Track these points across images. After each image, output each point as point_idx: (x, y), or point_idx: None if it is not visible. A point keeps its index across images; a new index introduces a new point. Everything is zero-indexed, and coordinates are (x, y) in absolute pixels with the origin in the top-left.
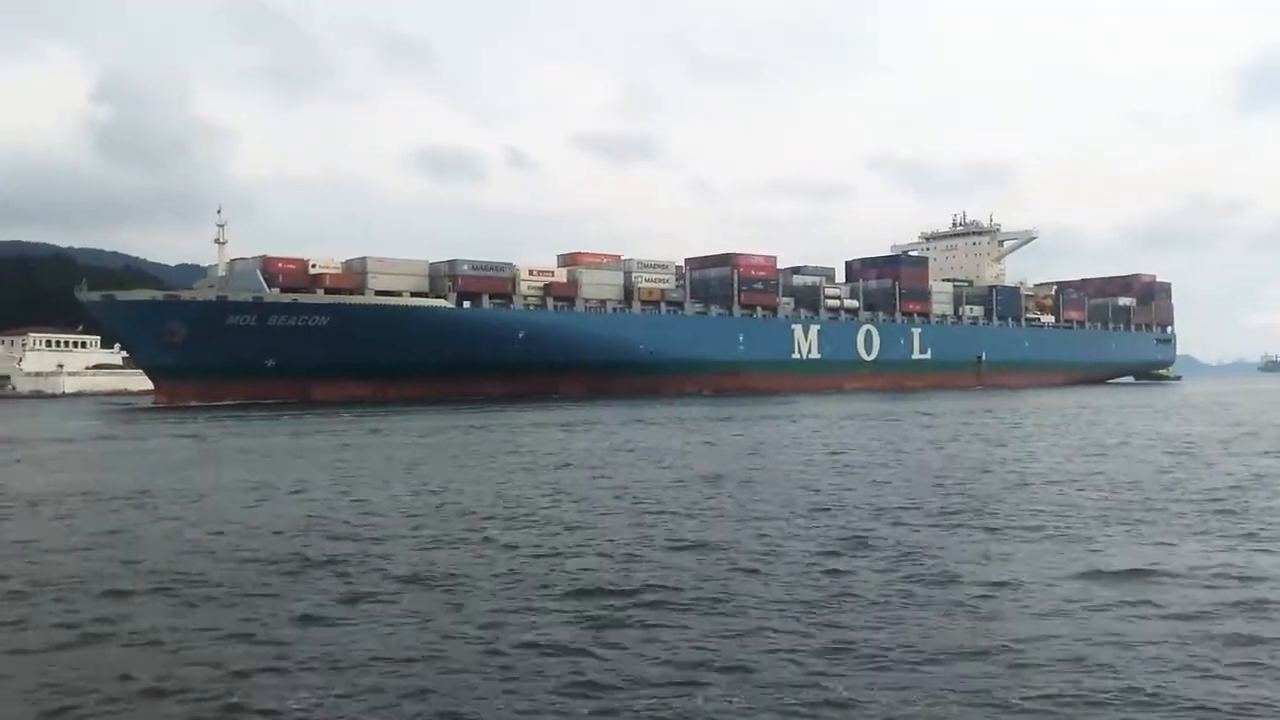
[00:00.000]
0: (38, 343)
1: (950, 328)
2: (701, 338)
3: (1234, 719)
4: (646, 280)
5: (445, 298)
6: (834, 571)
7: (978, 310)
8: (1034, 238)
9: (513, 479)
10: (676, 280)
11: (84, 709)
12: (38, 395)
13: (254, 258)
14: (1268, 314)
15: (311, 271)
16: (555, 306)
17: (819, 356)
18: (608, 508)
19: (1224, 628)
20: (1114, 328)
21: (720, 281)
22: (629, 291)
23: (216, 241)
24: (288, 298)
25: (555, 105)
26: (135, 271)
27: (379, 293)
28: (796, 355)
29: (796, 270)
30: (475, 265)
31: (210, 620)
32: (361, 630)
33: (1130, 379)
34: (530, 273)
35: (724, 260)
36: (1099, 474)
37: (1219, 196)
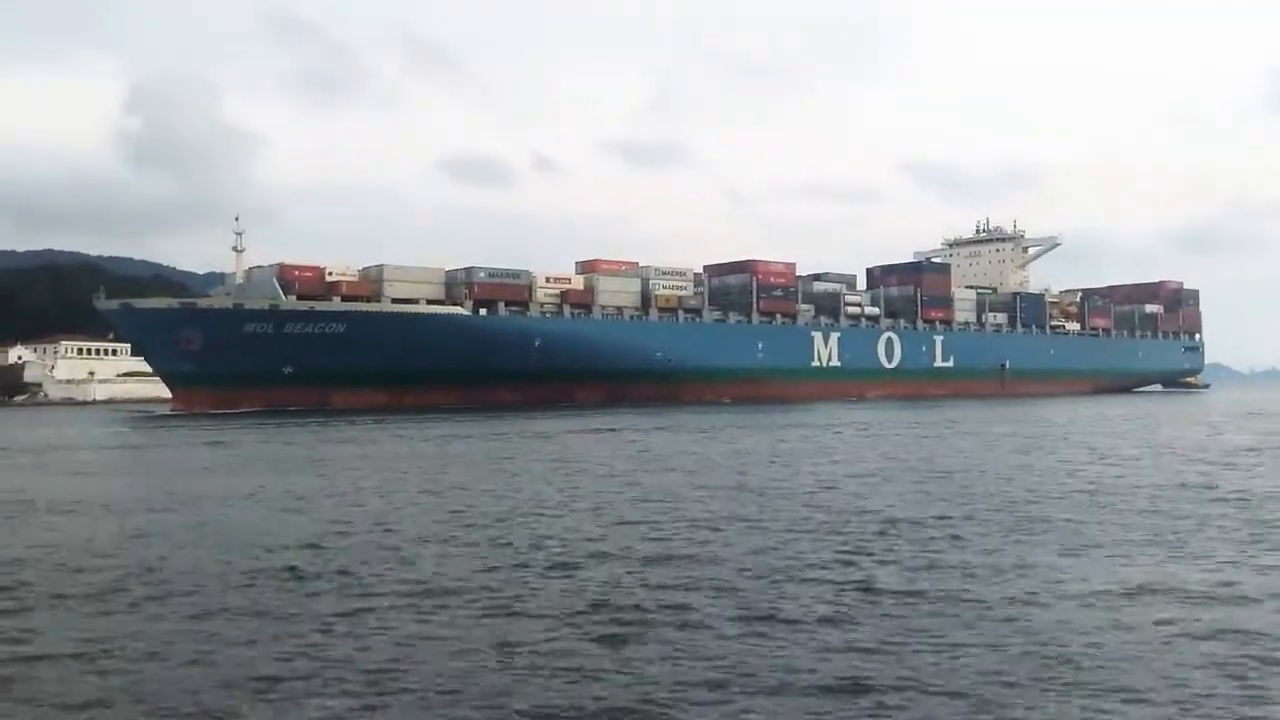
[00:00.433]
0: (69, 350)
1: (973, 335)
2: (719, 345)
3: None
4: (664, 287)
5: (461, 305)
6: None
7: (1001, 317)
8: (1058, 244)
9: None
10: (695, 287)
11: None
12: (69, 402)
13: (271, 265)
14: None
15: (328, 279)
16: (572, 314)
17: (839, 364)
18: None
19: None
20: (1141, 335)
21: (739, 288)
22: (646, 299)
23: (234, 249)
24: (304, 305)
25: (583, 111)
26: (164, 279)
27: (395, 300)
28: (816, 363)
29: (817, 277)
30: (492, 273)
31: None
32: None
33: (1158, 387)
34: (547, 280)
35: (743, 267)
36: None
37: (1256, 201)
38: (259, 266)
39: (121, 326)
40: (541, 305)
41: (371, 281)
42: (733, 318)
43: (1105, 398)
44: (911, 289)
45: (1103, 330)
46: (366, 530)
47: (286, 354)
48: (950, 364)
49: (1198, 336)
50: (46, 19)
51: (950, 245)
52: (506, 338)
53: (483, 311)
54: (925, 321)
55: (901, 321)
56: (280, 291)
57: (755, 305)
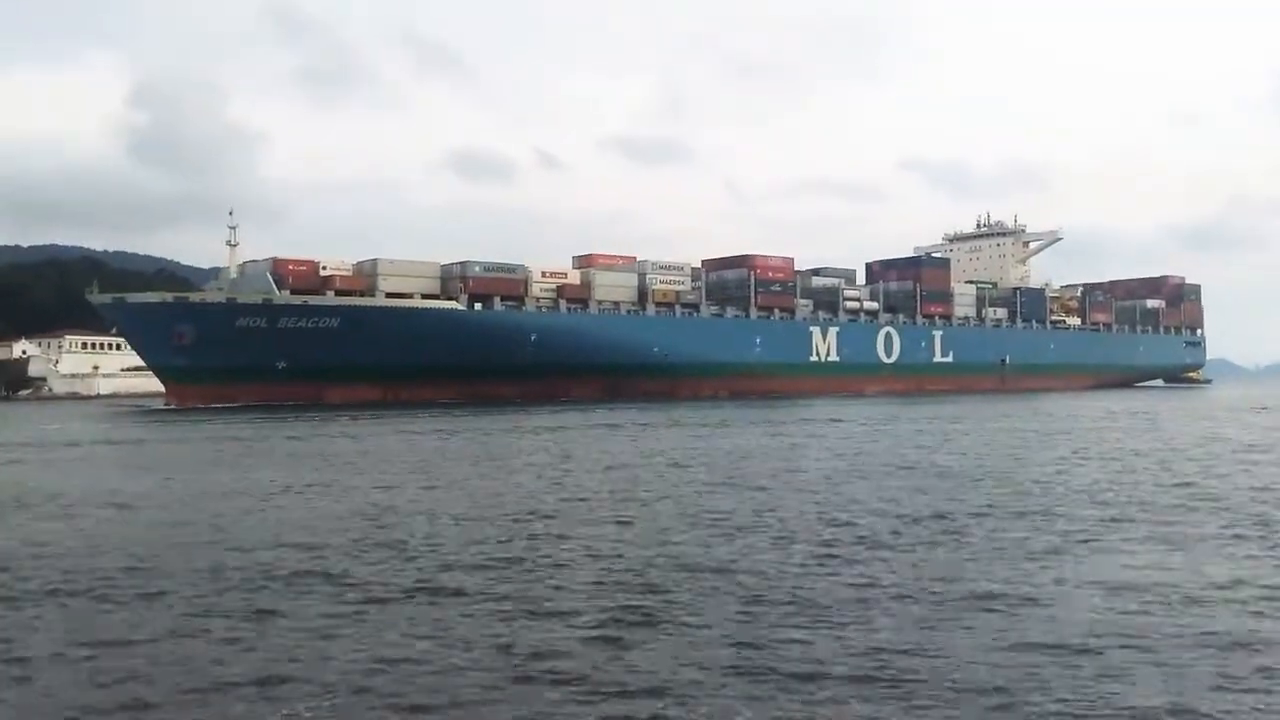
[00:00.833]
0: (73, 345)
1: (973, 330)
2: (717, 340)
3: None
4: (661, 282)
5: (456, 300)
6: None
7: (1001, 312)
8: (1059, 238)
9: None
10: (692, 282)
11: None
12: (74, 397)
13: (265, 260)
14: None
15: (322, 273)
16: (568, 308)
17: (837, 359)
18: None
19: None
20: (1142, 330)
21: (737, 283)
22: (643, 293)
23: (228, 244)
24: (298, 300)
25: (586, 108)
26: (168, 274)
27: (390, 295)
28: (814, 358)
29: (816, 272)
30: (487, 267)
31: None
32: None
33: (1159, 382)
34: (543, 274)
35: (741, 262)
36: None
37: (1259, 197)
38: (253, 261)
39: (115, 321)
40: (537, 300)
41: (366, 276)
42: (730, 313)
43: (1107, 393)
44: (911, 284)
45: (1104, 325)
46: (358, 531)
47: (280, 349)
48: (950, 359)
49: (1199, 332)
50: (50, 16)
51: (951, 240)
52: (502, 332)
53: (478, 306)
54: (925, 317)
55: (901, 317)
56: (274, 286)
57: (753, 300)
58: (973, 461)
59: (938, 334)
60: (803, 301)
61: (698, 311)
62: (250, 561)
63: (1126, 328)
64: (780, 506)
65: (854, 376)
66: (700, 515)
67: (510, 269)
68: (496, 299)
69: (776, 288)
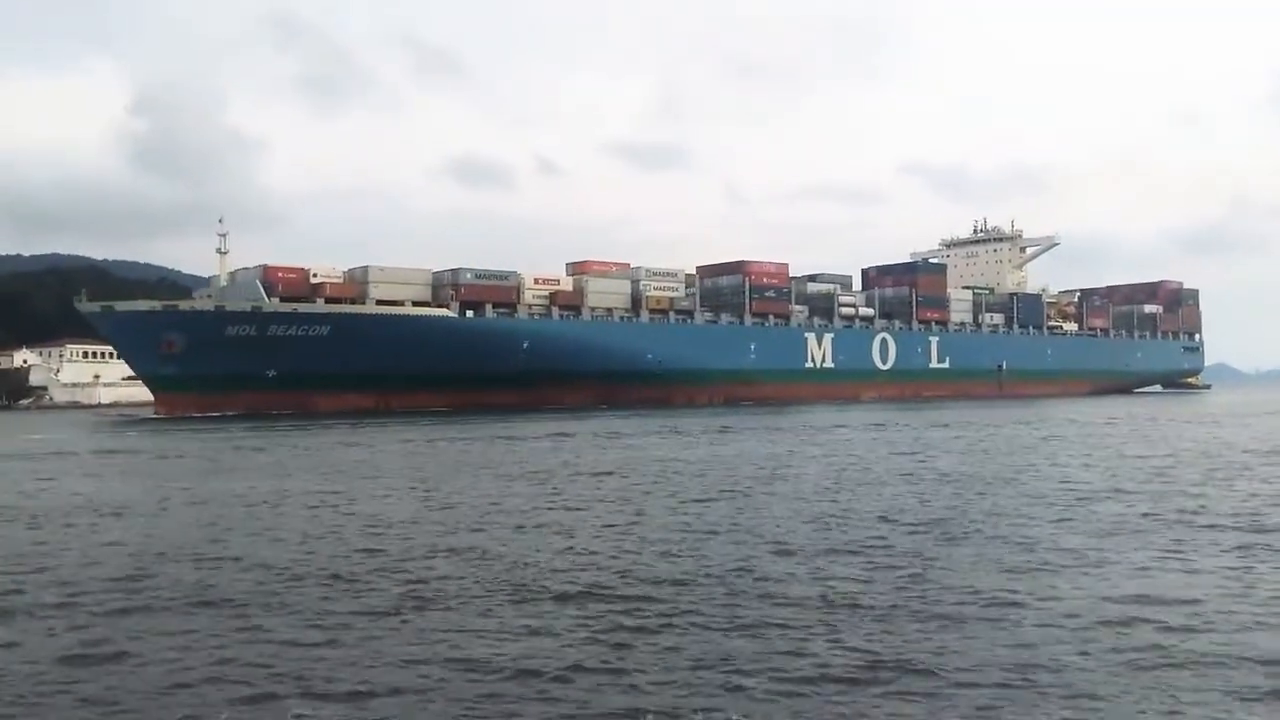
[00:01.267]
0: (74, 354)
1: (969, 336)
2: (711, 347)
3: None
4: (655, 289)
5: (448, 307)
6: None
7: (998, 318)
8: (1056, 244)
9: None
10: (686, 288)
11: None
12: (74, 405)
13: (254, 267)
14: None
15: (312, 281)
16: (561, 316)
17: (833, 365)
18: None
19: None
20: (1140, 336)
21: (731, 289)
22: (637, 300)
23: (218, 251)
24: (287, 307)
25: (586, 112)
26: (169, 282)
27: (380, 302)
28: (810, 364)
29: (811, 278)
30: (478, 274)
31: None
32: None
33: (1158, 388)
34: (535, 281)
35: (735, 268)
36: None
37: (1260, 200)
38: (244, 268)
39: (103, 329)
40: (530, 307)
41: (356, 283)
42: (725, 319)
43: (1105, 399)
44: (907, 290)
45: (1101, 331)
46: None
47: (270, 357)
48: (946, 365)
49: (1198, 337)
50: (48, 23)
51: (947, 246)
52: (494, 340)
53: (469, 313)
54: (920, 322)
55: (896, 322)
56: (263, 293)
57: (748, 306)
58: (986, 468)
59: (934, 340)
60: (798, 308)
61: (692, 318)
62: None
63: (1124, 333)
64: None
65: (849, 383)
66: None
67: (502, 276)
68: (488, 306)
69: (771, 294)
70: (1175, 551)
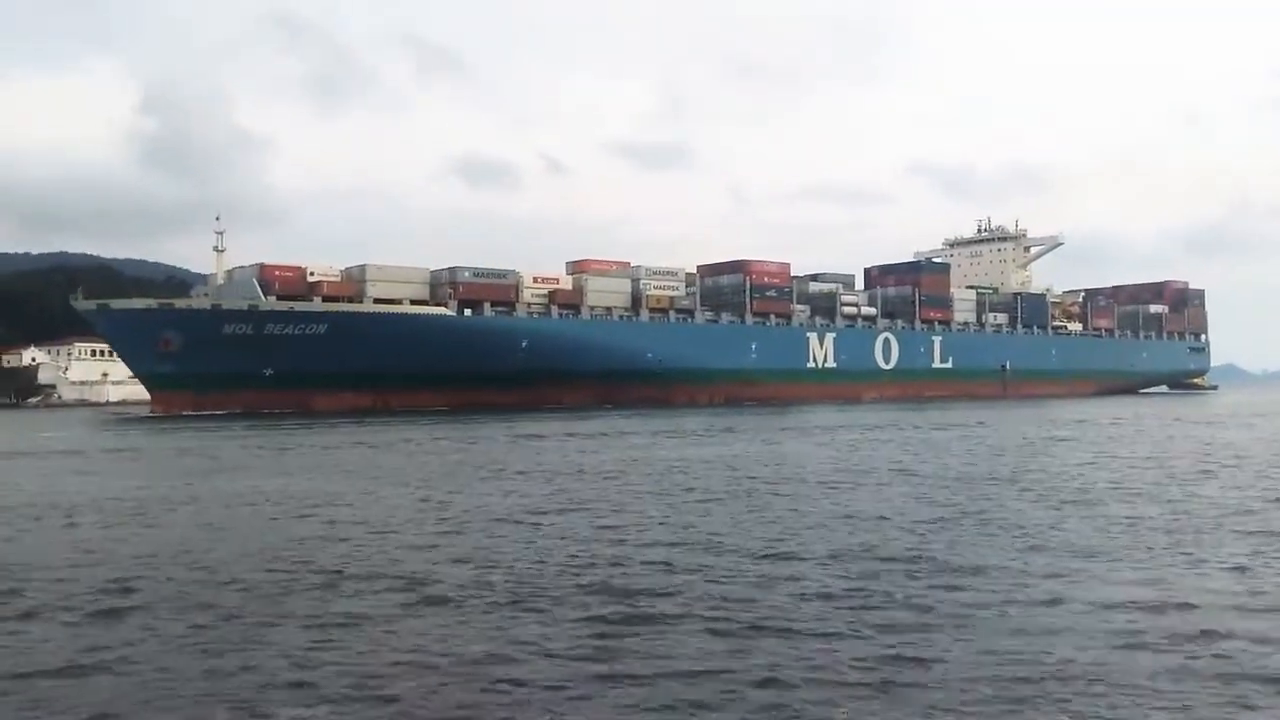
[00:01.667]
0: (83, 352)
1: (973, 336)
2: (712, 346)
3: None
4: (655, 288)
5: (446, 306)
6: None
7: (1002, 318)
8: (1061, 243)
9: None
10: (687, 288)
11: None
12: (83, 404)
13: (251, 265)
14: None
15: (309, 279)
16: (560, 314)
17: (835, 365)
18: None
19: None
20: (1145, 336)
21: (733, 289)
22: (637, 299)
23: (215, 249)
24: (284, 306)
25: (589, 112)
26: (177, 280)
27: (378, 301)
28: (811, 364)
29: (814, 277)
30: (477, 272)
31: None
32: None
33: (1164, 389)
34: (534, 280)
35: (736, 267)
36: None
37: (1261, 201)
38: (241, 267)
39: (100, 328)
40: (529, 306)
41: (354, 281)
42: (725, 318)
43: (1111, 399)
44: (910, 289)
45: (1106, 331)
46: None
47: (266, 355)
48: (949, 365)
49: (1204, 337)
50: (52, 23)
51: (951, 245)
52: (492, 338)
53: (468, 312)
54: (924, 322)
55: (899, 322)
56: (260, 292)
57: (749, 306)
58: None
59: (937, 340)
60: (799, 307)
61: (692, 317)
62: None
63: (1129, 333)
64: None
65: (851, 383)
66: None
67: (501, 274)
68: (487, 305)
69: (772, 293)
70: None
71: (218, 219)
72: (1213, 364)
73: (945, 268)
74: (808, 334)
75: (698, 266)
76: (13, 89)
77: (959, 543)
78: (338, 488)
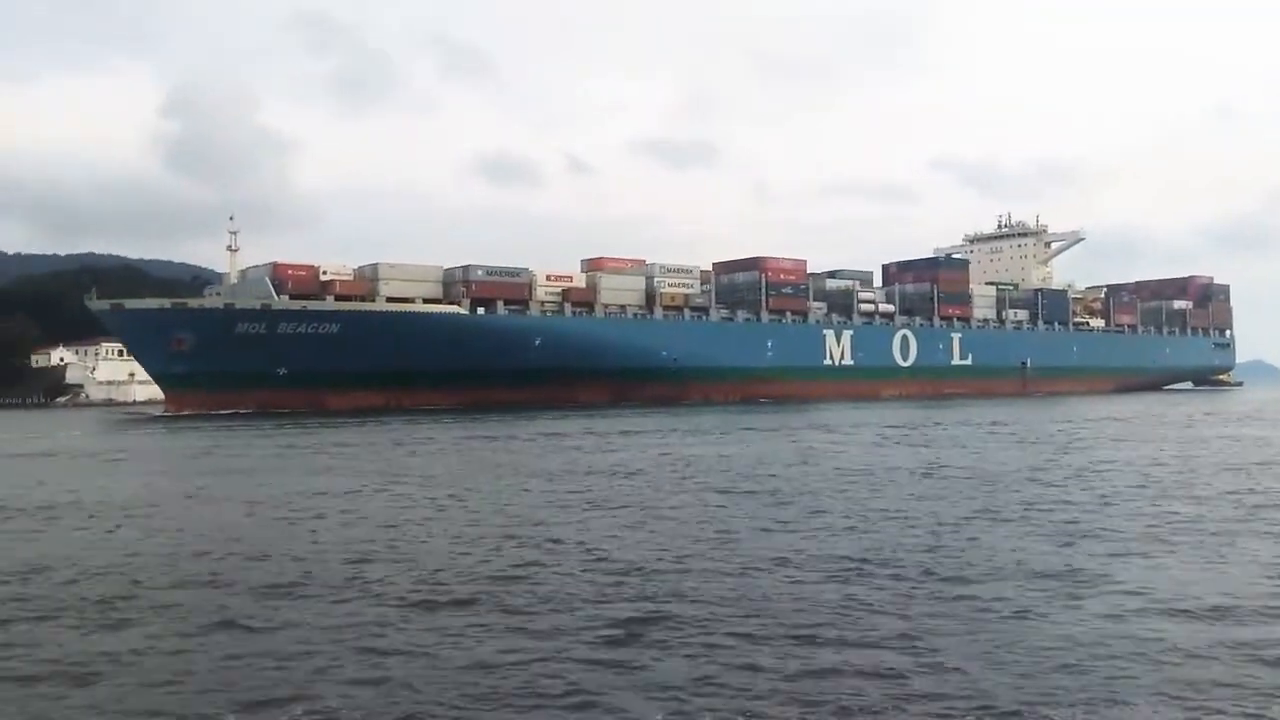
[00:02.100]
0: (110, 352)
1: (993, 332)
2: (727, 344)
3: None
4: (670, 285)
5: (459, 304)
6: None
7: (1022, 314)
8: (1082, 239)
9: None
10: (702, 285)
11: None
12: (110, 403)
13: (264, 265)
14: None
15: (322, 278)
16: (574, 312)
17: (852, 363)
18: None
19: None
20: (1169, 332)
21: (748, 286)
22: (651, 297)
23: (228, 249)
24: (296, 305)
25: (614, 110)
26: (203, 281)
27: (390, 300)
28: (828, 361)
29: (831, 274)
30: (490, 271)
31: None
32: None
33: (1188, 385)
34: (548, 278)
35: (752, 264)
36: None
37: None
38: (255, 266)
39: (113, 328)
40: (542, 304)
41: (366, 280)
42: (741, 316)
43: (1134, 396)
44: (928, 286)
45: (1128, 327)
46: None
47: (279, 355)
48: (968, 362)
49: (1229, 333)
50: (81, 26)
51: (971, 241)
52: (505, 336)
53: (480, 310)
54: (943, 319)
55: (918, 319)
56: (273, 291)
57: (764, 303)
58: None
59: (956, 336)
60: (816, 304)
61: (707, 315)
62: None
63: (1152, 329)
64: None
65: (869, 380)
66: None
67: (514, 273)
68: (500, 303)
69: (788, 290)
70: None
71: (231, 219)
72: (1239, 360)
73: (964, 264)
74: (824, 331)
75: (713, 264)
76: (43, 92)
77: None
78: (402, 492)
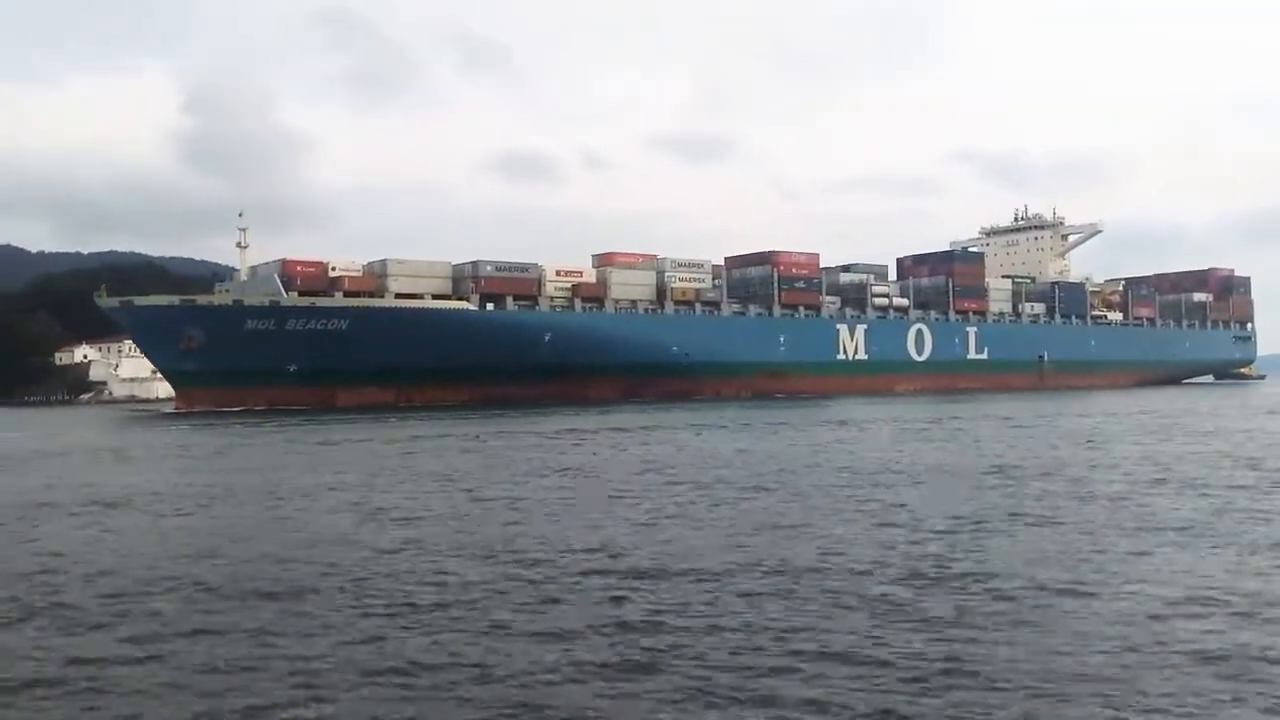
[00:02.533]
0: (133, 350)
1: (1009, 326)
2: (739, 339)
3: None
4: (681, 280)
5: (468, 300)
6: None
7: (1039, 308)
8: (1099, 231)
9: None
10: (713, 280)
11: None
12: (132, 400)
13: (273, 261)
14: None
15: (331, 274)
16: (583, 308)
17: (866, 357)
18: None
19: None
20: (1188, 325)
21: (760, 280)
22: (662, 292)
23: (238, 245)
24: (305, 301)
25: (632, 105)
26: (222, 278)
27: (399, 296)
28: (842, 356)
29: (845, 268)
30: (499, 266)
31: None
32: None
33: (1209, 379)
34: (558, 273)
35: (764, 258)
36: None
37: None
38: (265, 263)
39: (123, 325)
40: (552, 299)
41: (375, 276)
42: (753, 310)
43: (1154, 390)
44: (943, 279)
45: (1147, 320)
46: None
47: (288, 351)
48: (984, 356)
49: (1250, 326)
50: (102, 25)
51: (987, 234)
52: (515, 332)
53: (490, 306)
54: (958, 313)
55: (933, 313)
56: (281, 288)
57: (776, 297)
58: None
59: (971, 330)
60: (829, 298)
61: (719, 310)
62: None
63: (1171, 322)
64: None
65: (883, 375)
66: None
67: (523, 268)
68: (509, 299)
69: (801, 284)
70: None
71: (240, 215)
72: (1261, 353)
73: (979, 257)
74: (838, 326)
75: (725, 258)
76: (65, 93)
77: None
78: (445, 496)
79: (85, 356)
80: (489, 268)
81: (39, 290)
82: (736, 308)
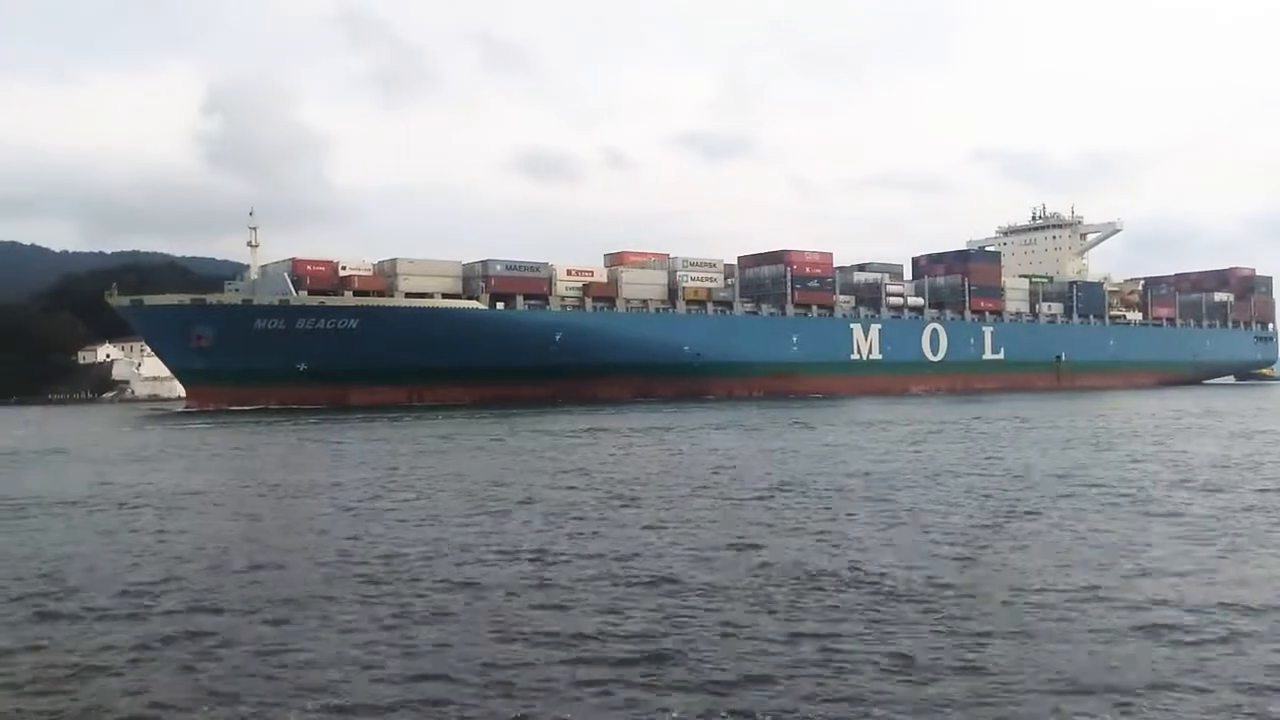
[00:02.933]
0: None
1: (1026, 326)
2: (751, 338)
3: None
4: (693, 279)
5: (478, 299)
6: None
7: (1056, 307)
8: (1118, 230)
9: None
10: (725, 279)
11: None
12: (155, 399)
13: (283, 260)
14: None
15: (341, 274)
16: (594, 307)
17: (880, 357)
18: None
19: None
20: (1209, 325)
21: (773, 279)
22: (673, 291)
23: (249, 244)
24: (315, 301)
25: (654, 104)
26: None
27: (409, 295)
28: (856, 356)
29: (860, 267)
30: (509, 265)
31: None
32: None
33: (1230, 379)
34: (568, 273)
35: (776, 258)
36: None
37: None
38: (275, 262)
39: (134, 324)
40: (563, 299)
41: (385, 275)
42: (765, 310)
43: (1174, 390)
44: (959, 279)
45: (1167, 320)
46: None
47: (298, 351)
48: (1000, 356)
49: (1271, 326)
50: (125, 25)
51: (1004, 233)
52: (525, 332)
53: (500, 305)
54: (974, 312)
55: (948, 312)
56: (291, 287)
57: (790, 297)
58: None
59: (987, 330)
60: (843, 298)
61: (731, 309)
62: None
63: (1191, 322)
64: None
65: (898, 375)
66: None
67: (533, 267)
68: (519, 298)
69: (814, 284)
70: None
71: (250, 214)
72: None
73: (996, 256)
74: (851, 325)
75: (738, 257)
76: (88, 91)
77: None
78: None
79: (108, 356)
80: (499, 267)
81: (62, 290)
82: (749, 307)
